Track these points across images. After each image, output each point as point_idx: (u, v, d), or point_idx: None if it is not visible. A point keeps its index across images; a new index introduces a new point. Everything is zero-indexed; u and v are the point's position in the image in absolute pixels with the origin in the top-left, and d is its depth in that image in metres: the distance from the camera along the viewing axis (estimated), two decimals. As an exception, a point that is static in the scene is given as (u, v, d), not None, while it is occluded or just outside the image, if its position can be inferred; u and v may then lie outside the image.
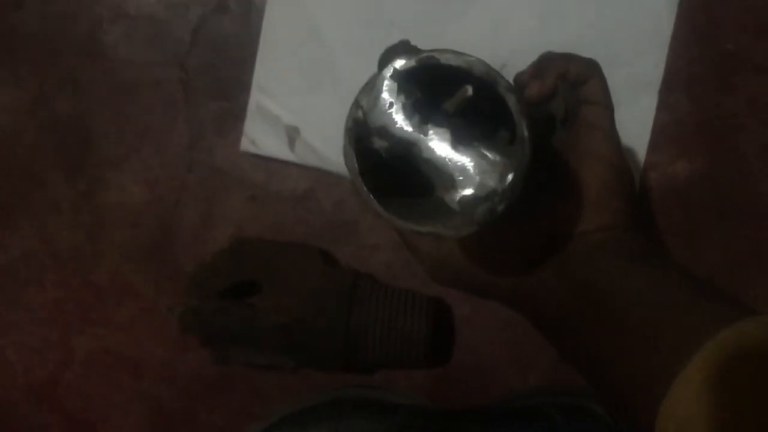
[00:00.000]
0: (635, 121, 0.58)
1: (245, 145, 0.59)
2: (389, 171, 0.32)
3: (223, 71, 0.60)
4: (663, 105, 0.58)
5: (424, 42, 0.60)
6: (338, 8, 0.58)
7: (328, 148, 0.59)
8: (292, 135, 0.59)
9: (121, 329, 0.62)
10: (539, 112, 0.38)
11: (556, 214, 0.37)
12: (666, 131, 0.58)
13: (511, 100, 0.29)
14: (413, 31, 0.60)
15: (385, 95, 0.30)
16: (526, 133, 0.29)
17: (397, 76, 0.30)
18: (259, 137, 0.59)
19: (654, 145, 0.58)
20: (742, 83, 0.57)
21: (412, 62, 0.30)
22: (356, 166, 0.30)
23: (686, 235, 0.58)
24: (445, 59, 0.29)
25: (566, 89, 0.38)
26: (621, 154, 0.38)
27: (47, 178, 0.62)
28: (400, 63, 0.30)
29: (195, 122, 0.61)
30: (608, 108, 0.38)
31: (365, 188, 0.30)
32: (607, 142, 0.37)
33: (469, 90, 0.32)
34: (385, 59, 0.39)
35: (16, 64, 0.61)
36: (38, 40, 0.61)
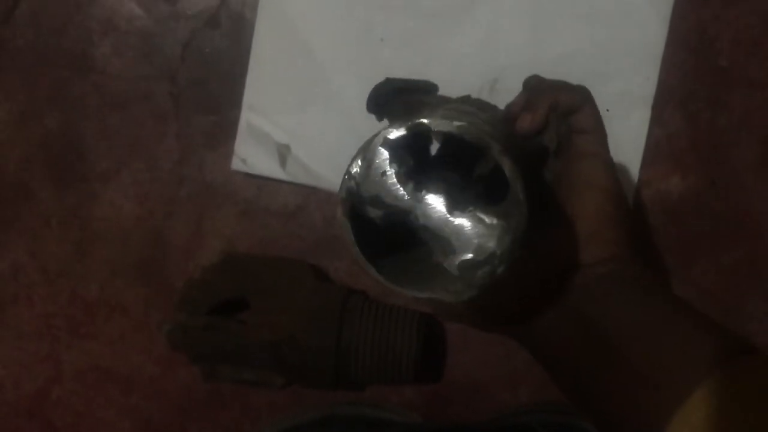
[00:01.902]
0: (629, 136, 0.57)
1: (236, 164, 0.59)
2: (387, 233, 0.31)
3: (214, 86, 0.60)
4: (657, 121, 0.57)
5: (415, 59, 0.60)
6: (328, 26, 0.58)
7: (319, 165, 0.58)
8: (283, 153, 0.58)
9: (111, 345, 0.62)
10: (531, 145, 0.37)
11: (554, 248, 0.36)
12: (659, 148, 0.58)
13: (506, 164, 0.29)
14: (403, 48, 0.60)
15: (377, 164, 0.30)
16: (521, 196, 0.29)
17: (387, 144, 0.30)
18: (250, 156, 0.59)
19: (647, 161, 0.57)
20: (736, 99, 0.57)
21: (402, 130, 0.29)
22: (353, 237, 0.30)
23: (679, 252, 0.58)
24: (436, 126, 0.29)
25: (557, 119, 0.38)
26: (618, 181, 0.37)
27: (36, 192, 0.61)
28: (390, 132, 0.30)
29: (185, 137, 0.60)
30: (602, 135, 0.37)
31: (363, 257, 0.30)
32: (603, 170, 0.37)
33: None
34: (373, 99, 0.39)
35: (5, 77, 0.61)
36: (28, 54, 0.60)
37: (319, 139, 0.58)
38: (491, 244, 0.30)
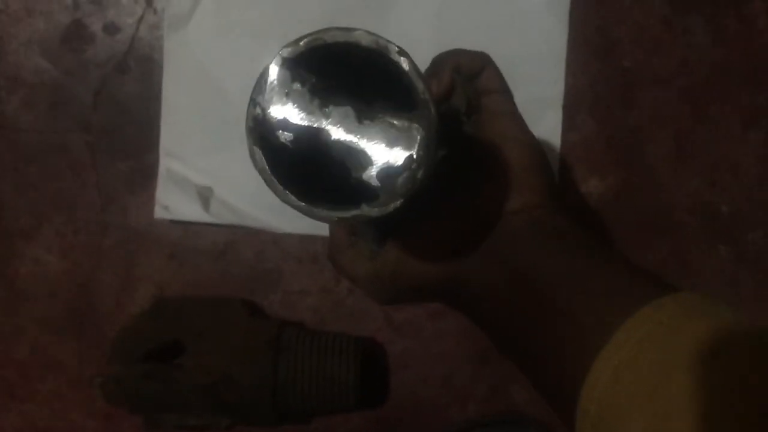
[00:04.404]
0: (543, 141, 0.58)
1: (159, 212, 0.58)
2: (300, 168, 0.31)
3: (130, 131, 0.59)
4: (570, 126, 0.58)
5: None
6: (237, 64, 0.58)
7: (243, 203, 0.58)
8: (206, 195, 0.58)
9: (48, 404, 0.60)
10: (443, 109, 0.38)
11: (481, 198, 0.37)
12: (575, 151, 0.59)
13: (405, 63, 0.28)
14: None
15: (279, 86, 0.30)
16: (426, 94, 0.29)
17: (287, 64, 0.29)
18: (172, 202, 0.58)
19: (564, 166, 0.58)
20: (644, 97, 0.59)
21: (299, 47, 0.29)
22: (265, 164, 0.29)
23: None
24: (331, 37, 0.29)
25: (463, 83, 0.39)
26: (531, 133, 0.39)
27: (-43, 256, 0.60)
28: (286, 51, 0.29)
29: (105, 185, 0.60)
30: (507, 93, 0.39)
31: (280, 186, 0.29)
32: (514, 124, 0.38)
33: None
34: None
35: None
36: (-65, 116, 0.59)
37: (241, 178, 0.58)
38: (406, 148, 0.30)
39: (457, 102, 0.39)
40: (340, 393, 0.55)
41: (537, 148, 0.38)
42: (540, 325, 0.32)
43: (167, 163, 0.58)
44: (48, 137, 0.60)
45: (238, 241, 0.60)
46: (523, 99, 0.39)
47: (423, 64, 0.58)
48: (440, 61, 0.39)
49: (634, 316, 0.28)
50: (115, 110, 0.59)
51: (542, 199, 0.36)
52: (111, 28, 0.59)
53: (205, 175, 0.58)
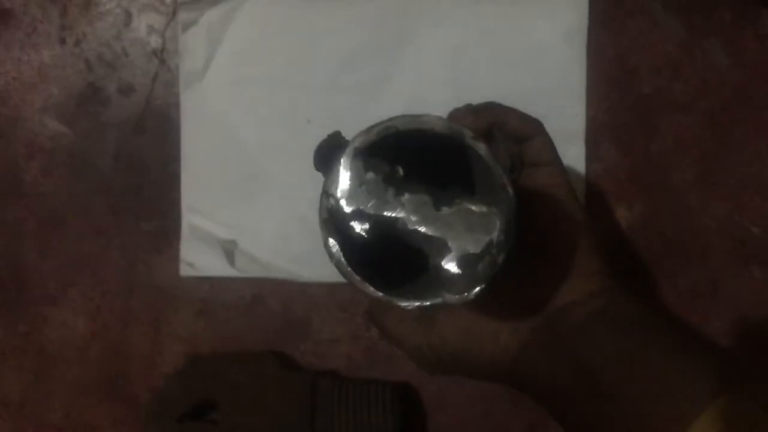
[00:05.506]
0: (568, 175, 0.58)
1: (185, 270, 0.58)
2: (375, 254, 0.30)
3: (150, 191, 0.59)
4: (593, 157, 0.58)
5: (343, 134, 0.59)
6: (253, 116, 0.57)
7: (268, 254, 0.58)
8: (230, 249, 0.58)
9: (85, 468, 0.60)
10: None
11: (540, 283, 0.35)
12: (600, 182, 0.58)
13: (482, 149, 0.28)
14: (330, 125, 0.59)
15: (353, 176, 0.29)
16: (503, 178, 0.28)
17: (360, 154, 0.29)
18: (197, 259, 0.58)
19: (590, 197, 0.58)
20: (666, 123, 0.58)
21: (372, 136, 0.29)
22: (343, 259, 0.29)
23: (637, 281, 0.58)
24: (403, 124, 0.28)
25: (506, 138, 0.37)
26: (586, 211, 0.37)
27: (-14, 325, 0.60)
28: (359, 140, 0.29)
29: (129, 245, 0.59)
30: (560, 166, 0.37)
31: (358, 277, 0.29)
32: (570, 203, 0.36)
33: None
34: (319, 155, 0.38)
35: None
36: (-45, 188, 0.59)
37: (264, 229, 0.58)
38: (486, 234, 0.29)
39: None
40: (379, 444, 0.54)
41: (592, 228, 0.36)
42: (606, 423, 0.31)
43: (190, 218, 0.58)
44: (69, 202, 0.59)
45: (265, 293, 0.60)
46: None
47: (441, 102, 0.58)
48: (487, 106, 0.37)
49: (701, 418, 0.27)
50: (135, 171, 0.59)
51: (603, 284, 0.35)
52: (126, 89, 0.59)
53: (228, 229, 0.58)
